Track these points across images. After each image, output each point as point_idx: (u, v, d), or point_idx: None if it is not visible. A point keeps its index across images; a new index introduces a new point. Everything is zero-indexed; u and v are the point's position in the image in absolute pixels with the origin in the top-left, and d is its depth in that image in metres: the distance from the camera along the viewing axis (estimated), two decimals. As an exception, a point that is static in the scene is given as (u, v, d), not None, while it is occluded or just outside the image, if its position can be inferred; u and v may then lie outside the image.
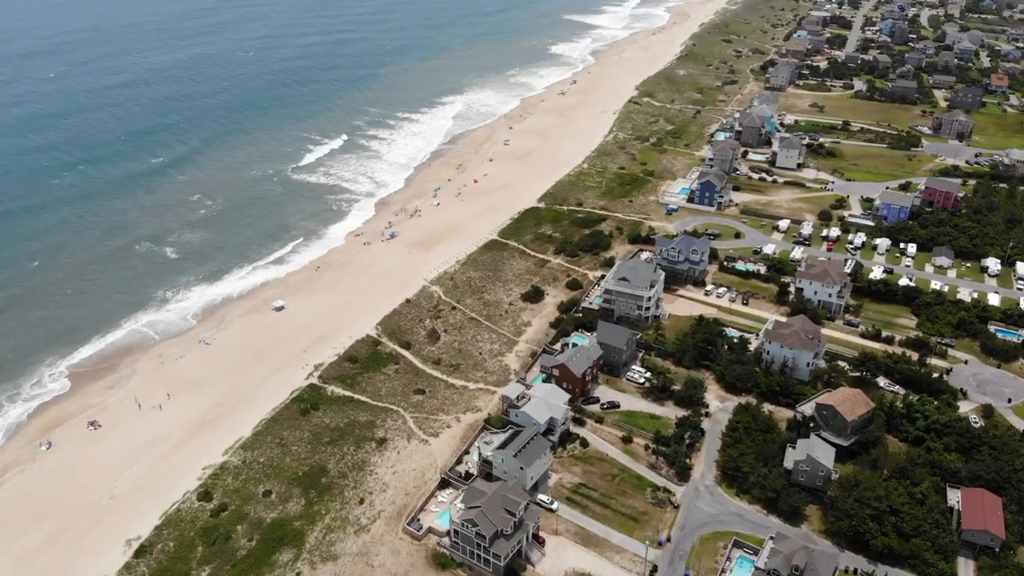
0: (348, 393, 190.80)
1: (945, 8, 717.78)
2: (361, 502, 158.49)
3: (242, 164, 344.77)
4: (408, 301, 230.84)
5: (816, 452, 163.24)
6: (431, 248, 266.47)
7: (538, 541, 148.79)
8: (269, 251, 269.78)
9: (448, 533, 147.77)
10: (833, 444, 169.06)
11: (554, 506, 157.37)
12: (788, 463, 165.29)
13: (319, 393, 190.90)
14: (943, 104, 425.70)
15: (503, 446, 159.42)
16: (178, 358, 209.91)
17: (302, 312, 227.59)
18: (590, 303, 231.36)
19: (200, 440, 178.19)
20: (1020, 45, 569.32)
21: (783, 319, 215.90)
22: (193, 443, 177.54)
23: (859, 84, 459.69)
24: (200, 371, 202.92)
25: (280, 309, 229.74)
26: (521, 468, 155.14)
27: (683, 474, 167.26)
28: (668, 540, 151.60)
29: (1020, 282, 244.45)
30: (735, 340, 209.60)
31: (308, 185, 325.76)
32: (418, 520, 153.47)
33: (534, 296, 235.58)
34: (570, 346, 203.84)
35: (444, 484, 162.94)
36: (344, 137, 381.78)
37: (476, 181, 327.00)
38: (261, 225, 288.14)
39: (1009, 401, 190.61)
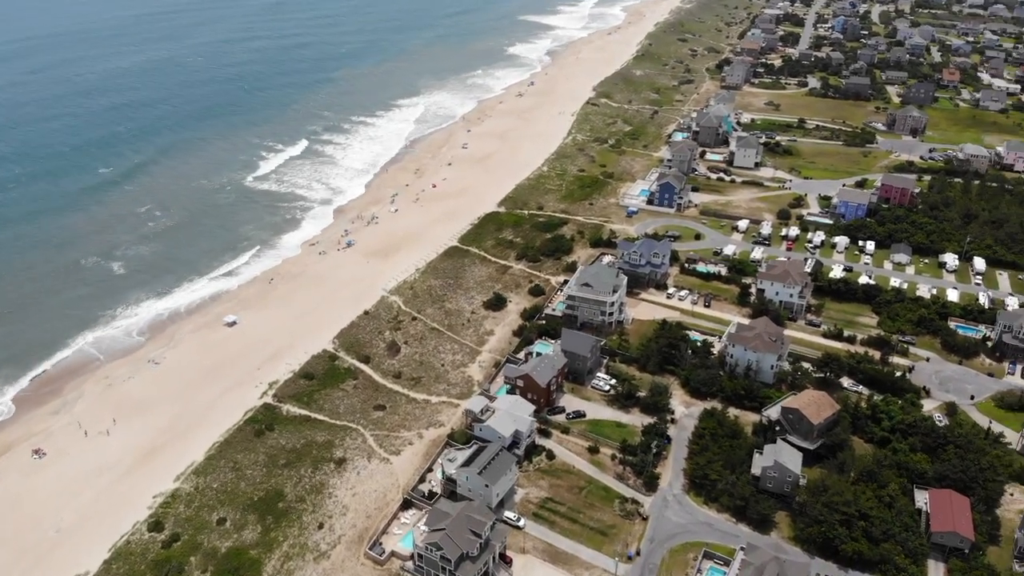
0: (304, 412, 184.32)
1: (896, 4, 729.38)
2: (320, 527, 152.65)
3: (195, 173, 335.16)
4: (366, 313, 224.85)
5: (783, 458, 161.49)
6: (390, 256, 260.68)
7: (505, 561, 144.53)
8: (221, 263, 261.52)
9: (412, 557, 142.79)
10: (800, 448, 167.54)
11: (521, 523, 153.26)
12: (756, 469, 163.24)
13: (274, 413, 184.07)
14: (896, 100, 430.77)
15: (467, 463, 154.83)
16: (126, 379, 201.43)
17: (255, 327, 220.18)
18: (553, 309, 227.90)
19: (150, 466, 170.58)
20: (970, 40, 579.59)
21: (746, 321, 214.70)
22: (143, 470, 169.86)
23: (813, 81, 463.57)
24: (149, 392, 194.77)
25: (232, 324, 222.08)
26: (486, 486, 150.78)
27: (651, 484, 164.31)
28: (638, 554, 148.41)
29: (978, 277, 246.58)
30: (699, 344, 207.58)
31: (262, 193, 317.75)
32: (380, 544, 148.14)
33: (496, 304, 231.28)
34: (534, 355, 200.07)
35: (407, 504, 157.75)
36: (299, 143, 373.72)
37: (435, 186, 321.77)
38: (213, 236, 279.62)
39: (972, 398, 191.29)
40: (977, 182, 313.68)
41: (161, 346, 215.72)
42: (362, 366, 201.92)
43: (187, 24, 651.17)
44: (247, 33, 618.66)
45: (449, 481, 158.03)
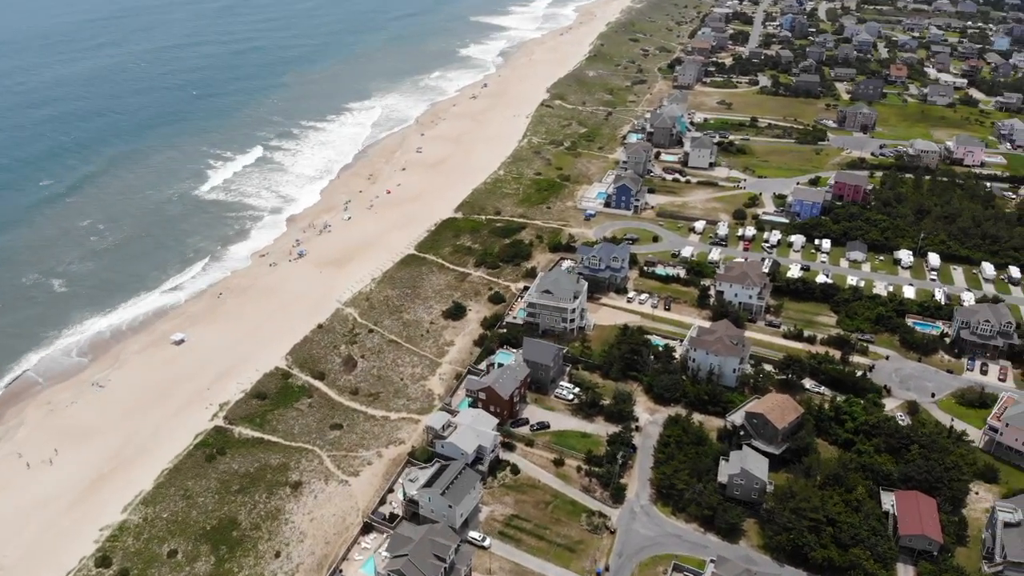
0: (257, 434, 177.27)
1: (842, 1, 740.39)
2: (277, 555, 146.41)
3: (141, 184, 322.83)
4: (320, 326, 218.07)
5: (749, 464, 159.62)
6: (344, 266, 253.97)
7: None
8: (168, 277, 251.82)
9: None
10: (765, 454, 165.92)
11: (486, 543, 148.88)
12: (722, 477, 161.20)
13: (225, 436, 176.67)
14: (846, 96, 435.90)
15: (429, 483, 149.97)
16: (69, 404, 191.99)
17: (204, 345, 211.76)
18: (514, 317, 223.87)
19: (96, 497, 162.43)
20: (916, 35, 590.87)
21: (706, 324, 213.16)
22: (89, 501, 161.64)
23: (764, 80, 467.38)
24: (94, 417, 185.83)
25: (180, 343, 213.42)
26: (450, 506, 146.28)
27: (618, 495, 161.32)
28: (607, 569, 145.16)
29: (933, 273, 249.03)
30: (661, 349, 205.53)
31: (211, 203, 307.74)
32: (340, 571, 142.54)
33: (456, 313, 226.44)
34: (495, 365, 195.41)
35: (367, 528, 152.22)
36: (249, 151, 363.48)
37: (389, 192, 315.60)
38: (160, 249, 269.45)
39: (932, 396, 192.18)
40: (928, 177, 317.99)
41: (105, 367, 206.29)
42: (317, 383, 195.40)
43: (133, 29, 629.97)
44: (195, 38, 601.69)
45: (411, 502, 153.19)
